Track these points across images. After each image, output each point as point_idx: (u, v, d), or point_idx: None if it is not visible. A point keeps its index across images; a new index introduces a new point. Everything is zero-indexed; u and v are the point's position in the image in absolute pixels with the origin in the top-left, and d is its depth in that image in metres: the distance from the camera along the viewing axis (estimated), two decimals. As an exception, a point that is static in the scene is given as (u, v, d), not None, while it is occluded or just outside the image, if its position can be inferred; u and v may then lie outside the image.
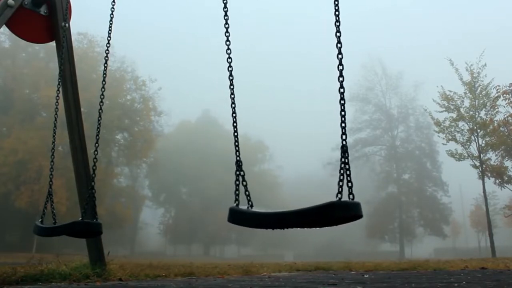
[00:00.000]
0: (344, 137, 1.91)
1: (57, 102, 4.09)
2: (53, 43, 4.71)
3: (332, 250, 51.34)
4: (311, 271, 7.29)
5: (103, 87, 3.75)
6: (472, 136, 21.53)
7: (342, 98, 1.95)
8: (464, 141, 21.72)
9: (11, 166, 29.06)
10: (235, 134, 2.45)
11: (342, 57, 1.98)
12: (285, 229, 2.04)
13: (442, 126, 22.48)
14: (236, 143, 2.43)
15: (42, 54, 33.45)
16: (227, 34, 2.57)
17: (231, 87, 2.54)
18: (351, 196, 1.84)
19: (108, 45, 3.86)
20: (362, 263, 10.07)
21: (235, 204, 2.20)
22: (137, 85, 37.92)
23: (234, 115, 2.50)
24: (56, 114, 4.03)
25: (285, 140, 71.77)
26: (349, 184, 1.86)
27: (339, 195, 1.81)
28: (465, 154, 21.64)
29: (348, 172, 1.86)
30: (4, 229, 31.69)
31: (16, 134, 29.81)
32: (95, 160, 3.50)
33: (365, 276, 5.07)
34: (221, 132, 54.04)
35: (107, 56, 3.92)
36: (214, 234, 50.54)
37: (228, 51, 2.55)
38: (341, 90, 1.95)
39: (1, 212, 29.39)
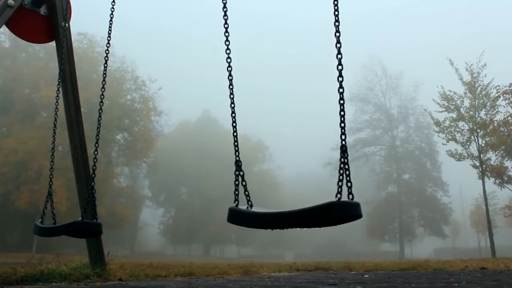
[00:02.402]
0: (343, 137, 1.90)
1: (57, 102, 4.10)
2: (53, 43, 4.71)
3: (332, 250, 51.32)
4: (311, 271, 7.29)
5: (103, 87, 3.75)
6: (472, 136, 21.51)
7: (341, 98, 1.95)
8: (464, 141, 21.70)
9: (11, 166, 29.04)
10: (235, 134, 2.46)
11: (341, 57, 1.98)
12: (285, 229, 2.05)
13: (442, 126, 22.46)
14: (236, 143, 2.43)
15: (42, 54, 33.44)
16: (227, 34, 2.57)
17: (231, 87, 2.54)
18: (350, 196, 1.83)
19: (108, 45, 3.86)
20: (362, 263, 10.08)
21: (234, 204, 2.21)
22: (137, 85, 37.90)
23: (233, 115, 2.50)
24: (56, 114, 4.03)
25: (285, 140, 71.81)
26: (349, 184, 1.85)
27: (338, 195, 1.81)
28: (465, 154, 21.62)
29: (347, 172, 1.85)
30: (4, 229, 31.66)
31: (16, 134, 29.79)
32: (95, 160, 3.50)
33: (365, 276, 5.08)
34: (221, 132, 54.01)
35: (107, 56, 3.92)
36: (214, 234, 50.53)
37: (228, 51, 2.55)
38: (341, 90, 1.96)
39: (1, 212, 29.38)
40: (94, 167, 3.54)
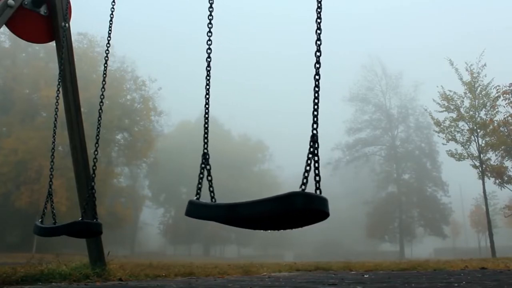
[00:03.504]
0: (315, 125, 1.81)
1: (57, 102, 4.10)
2: (53, 43, 4.71)
3: (332, 250, 51.30)
4: (311, 271, 7.29)
5: (103, 87, 3.75)
6: (472, 136, 21.52)
7: (316, 86, 1.90)
8: (464, 141, 21.71)
9: (11, 166, 29.03)
10: (206, 126, 2.39)
11: (320, 43, 1.95)
12: (267, 231, 1.94)
13: (442, 126, 22.47)
14: (206, 135, 2.35)
15: (42, 54, 33.42)
16: (210, 26, 2.53)
17: (208, 77, 2.48)
18: (318, 192, 1.68)
19: (108, 45, 3.87)
20: (362, 263, 10.08)
21: (195, 198, 2.14)
22: (137, 85, 37.90)
23: (207, 105, 2.45)
24: (56, 114, 4.03)
25: (285, 140, 71.70)
26: (317, 178, 1.71)
27: (303, 187, 1.67)
28: (465, 154, 21.63)
29: (316, 165, 1.72)
30: (4, 229, 31.64)
31: (16, 134, 29.78)
32: (95, 160, 3.50)
33: (365, 276, 5.07)
34: (221, 132, 53.99)
35: (107, 56, 3.92)
36: (214, 234, 50.50)
37: (209, 42, 2.51)
38: (317, 77, 1.90)
39: (1, 212, 29.37)
40: (94, 167, 3.54)
